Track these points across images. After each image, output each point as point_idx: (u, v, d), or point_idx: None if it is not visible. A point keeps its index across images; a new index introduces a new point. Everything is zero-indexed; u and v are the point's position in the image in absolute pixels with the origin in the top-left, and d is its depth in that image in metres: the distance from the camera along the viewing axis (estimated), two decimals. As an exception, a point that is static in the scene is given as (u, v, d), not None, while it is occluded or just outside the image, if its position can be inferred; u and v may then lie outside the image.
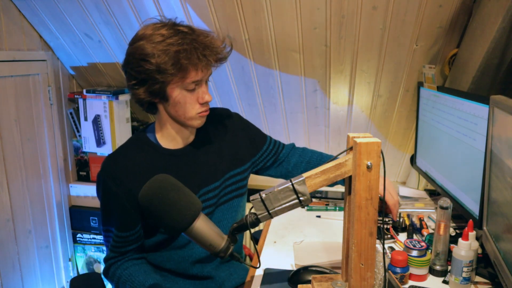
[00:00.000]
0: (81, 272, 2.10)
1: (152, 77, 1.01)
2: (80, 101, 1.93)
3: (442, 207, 1.07)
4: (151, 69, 0.99)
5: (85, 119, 1.95)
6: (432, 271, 1.08)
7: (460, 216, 1.30)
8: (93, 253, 2.06)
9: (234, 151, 1.22)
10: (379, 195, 0.81)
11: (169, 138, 1.15)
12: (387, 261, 1.06)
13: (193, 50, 1.00)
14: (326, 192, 1.74)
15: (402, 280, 1.03)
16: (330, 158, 1.16)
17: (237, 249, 1.27)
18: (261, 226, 1.84)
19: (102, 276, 1.16)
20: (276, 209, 0.81)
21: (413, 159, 1.70)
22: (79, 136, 2.03)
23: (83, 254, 2.09)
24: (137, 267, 1.09)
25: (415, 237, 1.29)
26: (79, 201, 2.05)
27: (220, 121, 1.25)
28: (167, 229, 0.84)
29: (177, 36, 1.01)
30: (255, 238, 1.62)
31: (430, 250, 1.11)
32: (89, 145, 1.98)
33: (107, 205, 1.09)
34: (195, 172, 1.15)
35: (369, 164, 0.76)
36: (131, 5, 1.56)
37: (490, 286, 1.04)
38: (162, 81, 1.02)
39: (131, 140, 1.17)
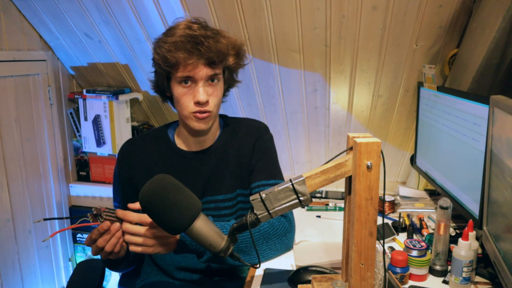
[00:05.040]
0: (81, 272, 2.10)
1: (156, 70, 1.10)
2: (80, 101, 1.93)
3: (442, 207, 1.07)
4: (155, 62, 1.07)
5: (85, 119, 1.95)
6: (432, 271, 1.08)
7: (460, 216, 1.30)
8: (93, 253, 2.06)
9: (247, 171, 1.18)
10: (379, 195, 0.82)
11: (183, 139, 1.17)
12: (387, 261, 1.06)
13: (183, 44, 1.00)
14: (326, 192, 1.74)
15: (402, 280, 1.03)
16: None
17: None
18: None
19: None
20: (276, 209, 0.81)
21: (413, 159, 1.70)
22: (79, 136, 2.03)
23: (83, 254, 2.09)
24: None
25: (415, 237, 1.29)
26: (79, 201, 2.05)
27: (248, 136, 1.20)
28: (167, 229, 0.84)
29: (182, 31, 1.03)
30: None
31: (430, 250, 1.11)
32: (89, 145, 1.97)
33: (114, 181, 1.21)
34: (202, 178, 1.15)
35: (369, 164, 0.76)
36: (131, 5, 1.56)
37: (490, 286, 1.04)
38: (163, 74, 1.08)
39: (152, 131, 1.24)
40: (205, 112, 1.06)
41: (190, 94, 1.05)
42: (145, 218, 0.93)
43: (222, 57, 1.04)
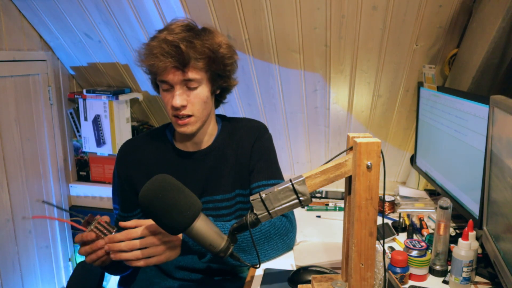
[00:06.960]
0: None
1: (148, 74, 1.10)
2: (80, 101, 1.93)
3: (442, 207, 1.07)
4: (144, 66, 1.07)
5: (85, 119, 1.95)
6: (432, 271, 1.08)
7: (460, 216, 1.30)
8: (93, 253, 2.06)
9: (246, 172, 1.18)
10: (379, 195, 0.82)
11: (181, 139, 1.16)
12: (387, 261, 1.06)
13: (156, 49, 0.99)
14: (326, 192, 1.74)
15: (402, 280, 1.03)
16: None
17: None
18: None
19: None
20: (276, 209, 0.81)
21: (413, 159, 1.70)
22: (79, 136, 2.03)
23: (83, 254, 2.09)
24: None
25: (415, 237, 1.29)
26: (79, 201, 2.05)
27: (247, 136, 1.19)
28: (167, 229, 0.84)
29: (162, 35, 1.02)
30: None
31: (430, 250, 1.11)
32: (89, 145, 1.97)
33: (113, 182, 1.21)
34: (200, 178, 1.14)
35: (369, 164, 0.76)
36: (131, 5, 1.56)
37: (490, 286, 1.04)
38: (152, 77, 1.09)
39: (151, 131, 1.23)
40: (183, 117, 1.05)
41: (169, 98, 1.05)
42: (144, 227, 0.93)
43: (191, 61, 1.00)
